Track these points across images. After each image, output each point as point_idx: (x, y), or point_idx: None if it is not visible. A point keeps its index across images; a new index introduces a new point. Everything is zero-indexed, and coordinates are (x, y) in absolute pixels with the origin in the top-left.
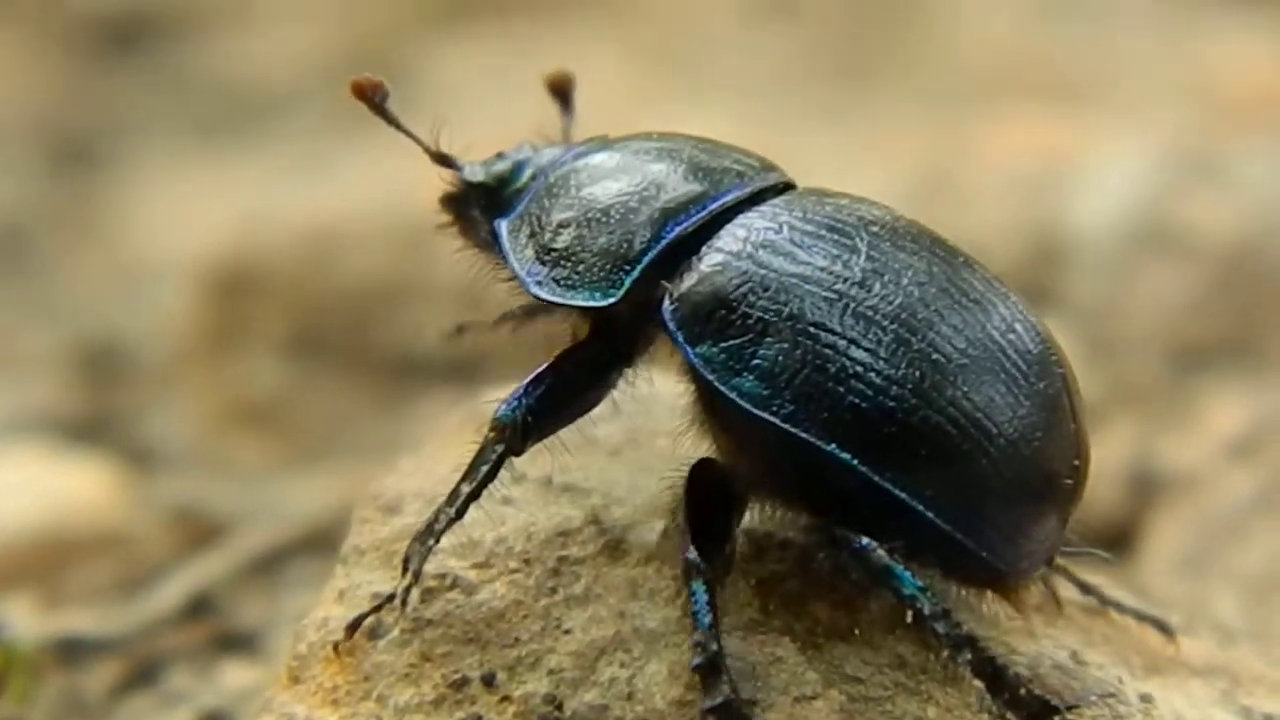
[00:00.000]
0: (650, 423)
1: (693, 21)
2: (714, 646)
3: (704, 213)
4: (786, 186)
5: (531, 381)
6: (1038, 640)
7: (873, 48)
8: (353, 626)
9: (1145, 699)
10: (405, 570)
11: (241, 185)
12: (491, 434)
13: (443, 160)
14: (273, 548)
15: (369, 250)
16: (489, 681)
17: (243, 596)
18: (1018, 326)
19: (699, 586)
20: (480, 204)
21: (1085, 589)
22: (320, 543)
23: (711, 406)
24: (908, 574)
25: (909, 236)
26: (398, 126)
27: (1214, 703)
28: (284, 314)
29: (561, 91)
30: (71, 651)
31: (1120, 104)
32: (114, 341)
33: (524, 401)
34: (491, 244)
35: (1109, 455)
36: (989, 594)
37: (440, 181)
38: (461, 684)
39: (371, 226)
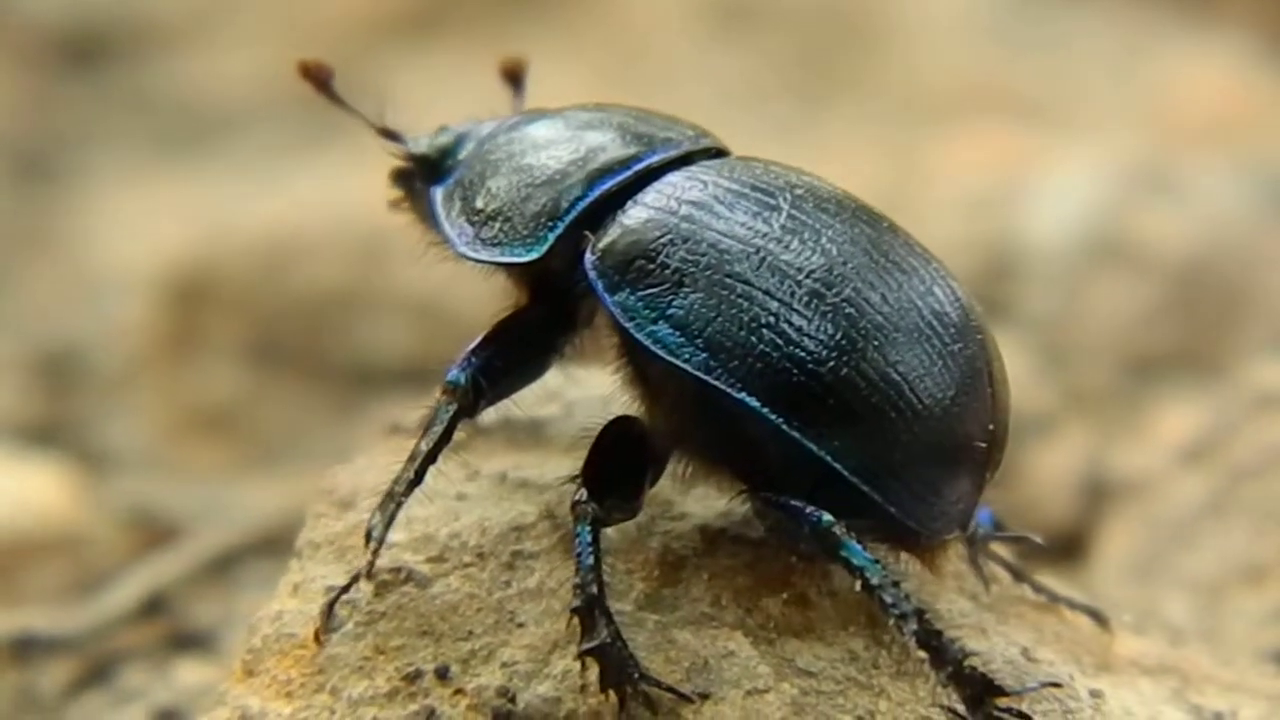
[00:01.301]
0: (605, 421)
1: (651, 39)
2: (593, 589)
3: (629, 172)
4: (719, 152)
5: (478, 344)
6: (989, 637)
7: (831, 68)
8: (327, 609)
9: (1095, 694)
10: (368, 540)
11: (198, 197)
12: (443, 396)
13: (388, 134)
14: (227, 549)
15: (324, 259)
16: (443, 674)
17: (197, 597)
18: (937, 290)
19: (584, 529)
20: (423, 175)
21: (1018, 575)
22: (275, 544)
23: (632, 359)
24: (858, 546)
25: (834, 201)
26: (343, 105)
27: (1164, 700)
28: (240, 321)
29: (514, 76)
30: (26, 650)
31: (1075, 123)
32: (72, 348)
33: (472, 362)
34: (431, 216)
35: (1062, 463)
36: (904, 554)
37: (389, 158)
38: (415, 677)
39: (327, 236)
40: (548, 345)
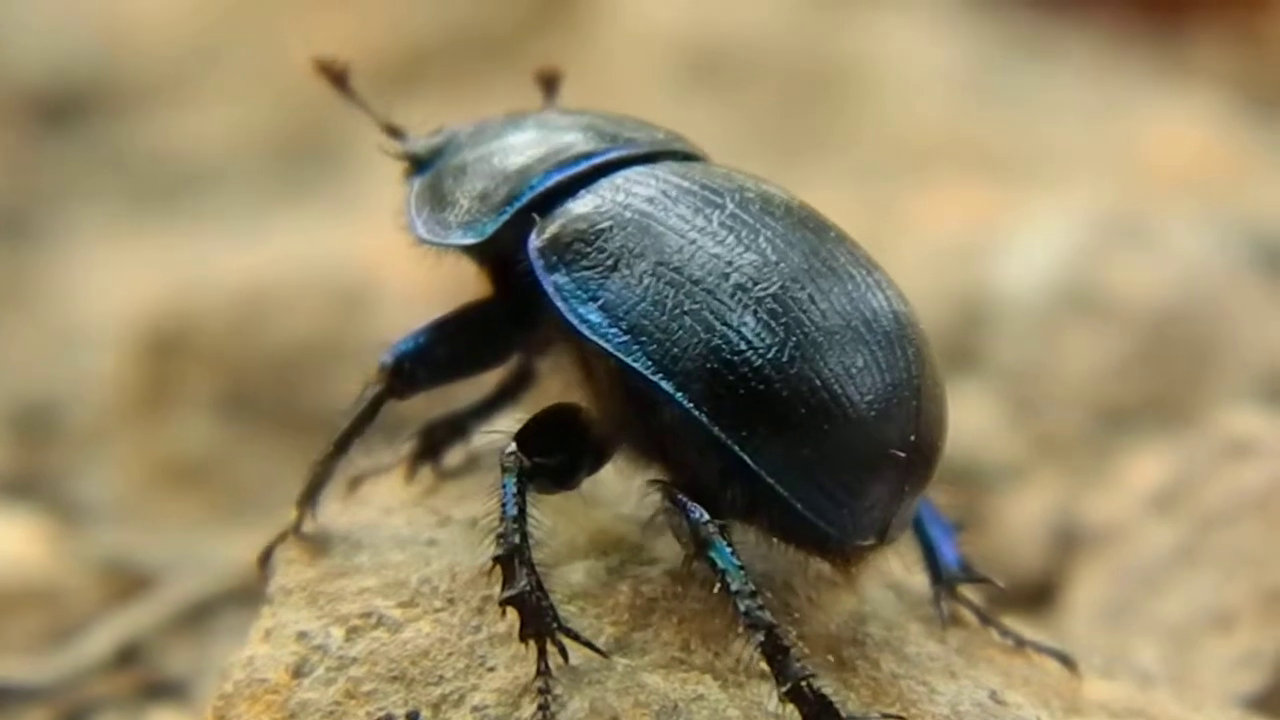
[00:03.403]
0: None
1: (629, 92)
2: (515, 539)
3: (586, 164)
4: (690, 157)
5: (418, 331)
6: (958, 679)
7: (807, 122)
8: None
9: None
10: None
11: (174, 251)
12: (372, 377)
13: (392, 133)
14: (200, 598)
15: (298, 312)
16: (414, 719)
17: (170, 646)
18: (871, 299)
19: (510, 479)
20: (412, 171)
21: (985, 619)
22: (248, 594)
23: (570, 344)
24: (728, 550)
25: (782, 205)
26: (355, 101)
27: None
28: (214, 374)
29: (549, 83)
30: (1, 699)
31: (1048, 176)
32: (47, 401)
33: (404, 347)
34: None
35: (1033, 510)
36: (819, 560)
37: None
38: None
39: (301, 289)
40: (491, 337)
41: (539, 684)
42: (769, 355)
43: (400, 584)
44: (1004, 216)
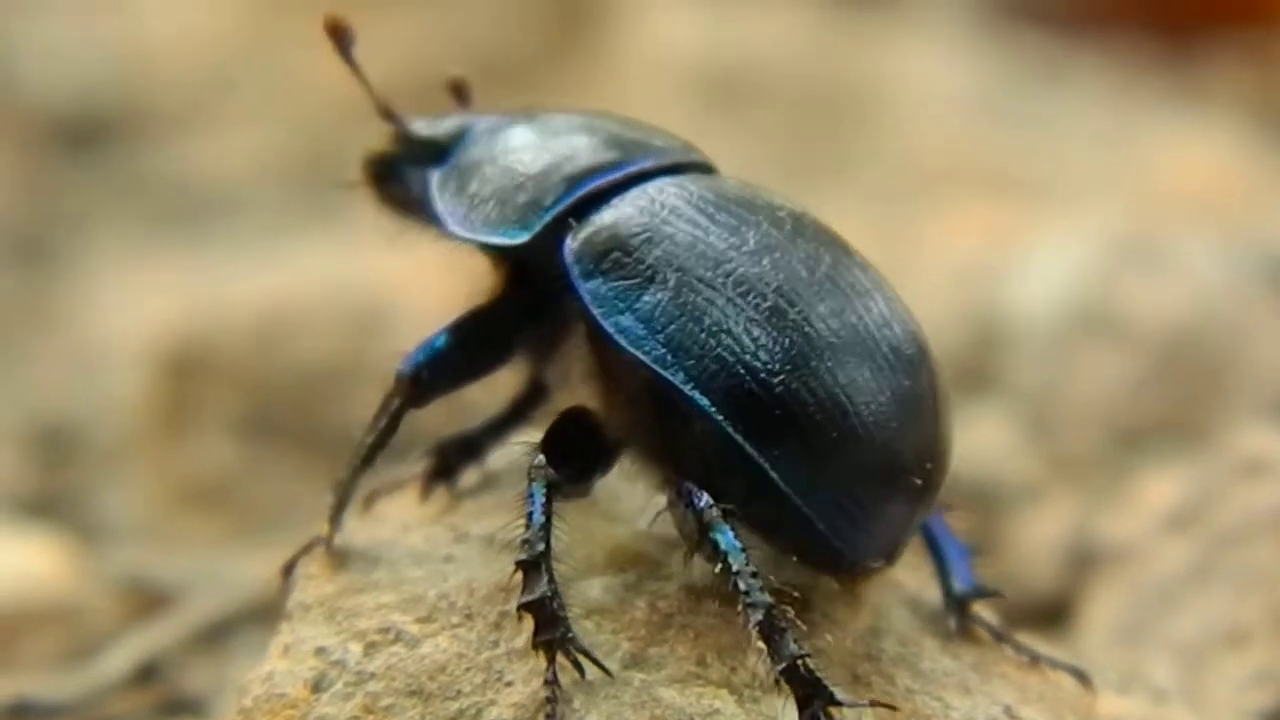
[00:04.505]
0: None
1: (646, 115)
2: (540, 547)
3: (619, 173)
4: (705, 168)
5: (431, 338)
6: (972, 695)
7: (822, 144)
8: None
9: None
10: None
11: (194, 274)
12: (392, 388)
13: (389, 114)
14: (220, 617)
15: (318, 333)
16: None
17: (190, 664)
18: (895, 325)
19: (538, 488)
20: (419, 159)
21: (999, 636)
22: (267, 612)
23: (595, 349)
24: (730, 533)
25: (810, 226)
26: (356, 72)
27: None
28: (234, 395)
29: (460, 92)
30: (21, 717)
31: (1062, 198)
32: (68, 422)
33: (419, 357)
34: (420, 197)
35: (1049, 530)
36: (828, 578)
37: (376, 140)
38: None
39: (321, 310)
40: (505, 339)
41: (546, 694)
42: (805, 378)
43: (418, 599)
44: (1019, 238)
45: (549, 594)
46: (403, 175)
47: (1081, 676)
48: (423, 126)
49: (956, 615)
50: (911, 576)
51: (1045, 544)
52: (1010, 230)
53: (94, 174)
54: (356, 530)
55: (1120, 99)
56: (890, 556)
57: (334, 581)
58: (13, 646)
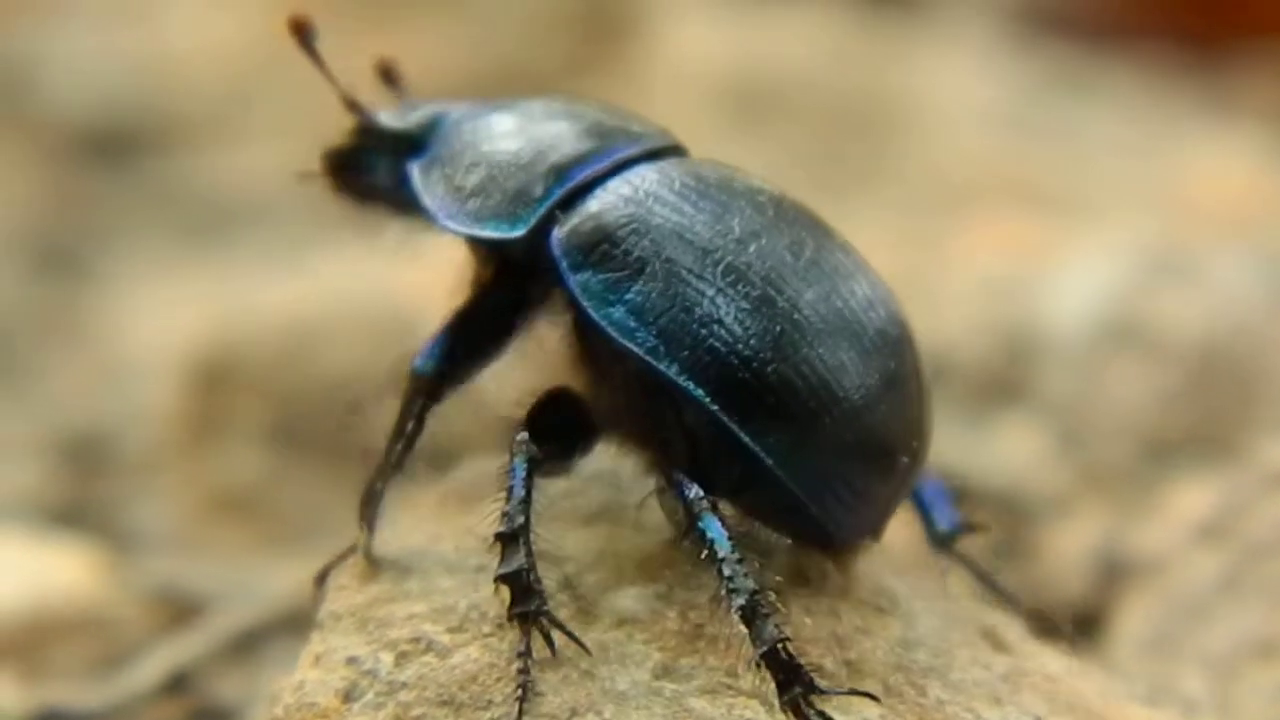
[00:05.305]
0: (621, 495)
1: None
2: (520, 520)
3: (606, 160)
4: (681, 151)
5: (441, 334)
6: (1003, 706)
7: (850, 158)
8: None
9: None
10: (362, 528)
11: (222, 285)
12: (411, 387)
13: (354, 107)
14: (250, 627)
15: (346, 343)
16: None
17: (220, 674)
18: (879, 307)
19: (520, 463)
20: (391, 151)
21: (983, 578)
22: (297, 622)
23: (583, 339)
24: (718, 523)
25: (791, 209)
26: (321, 66)
27: None
28: (263, 405)
29: (389, 76)
30: None
31: (1091, 211)
32: (98, 432)
33: (437, 351)
34: (394, 190)
35: (1079, 542)
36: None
37: (340, 134)
38: None
39: (348, 320)
40: (505, 326)
41: (519, 665)
42: (796, 366)
43: (449, 609)
44: (1048, 250)
45: (526, 567)
46: (369, 167)
47: (1049, 623)
48: (390, 118)
49: (943, 554)
50: (940, 586)
51: (1075, 555)
52: (1039, 242)
53: (121, 186)
54: (388, 540)
55: (1149, 110)
56: (878, 533)
57: (365, 591)
58: (43, 656)
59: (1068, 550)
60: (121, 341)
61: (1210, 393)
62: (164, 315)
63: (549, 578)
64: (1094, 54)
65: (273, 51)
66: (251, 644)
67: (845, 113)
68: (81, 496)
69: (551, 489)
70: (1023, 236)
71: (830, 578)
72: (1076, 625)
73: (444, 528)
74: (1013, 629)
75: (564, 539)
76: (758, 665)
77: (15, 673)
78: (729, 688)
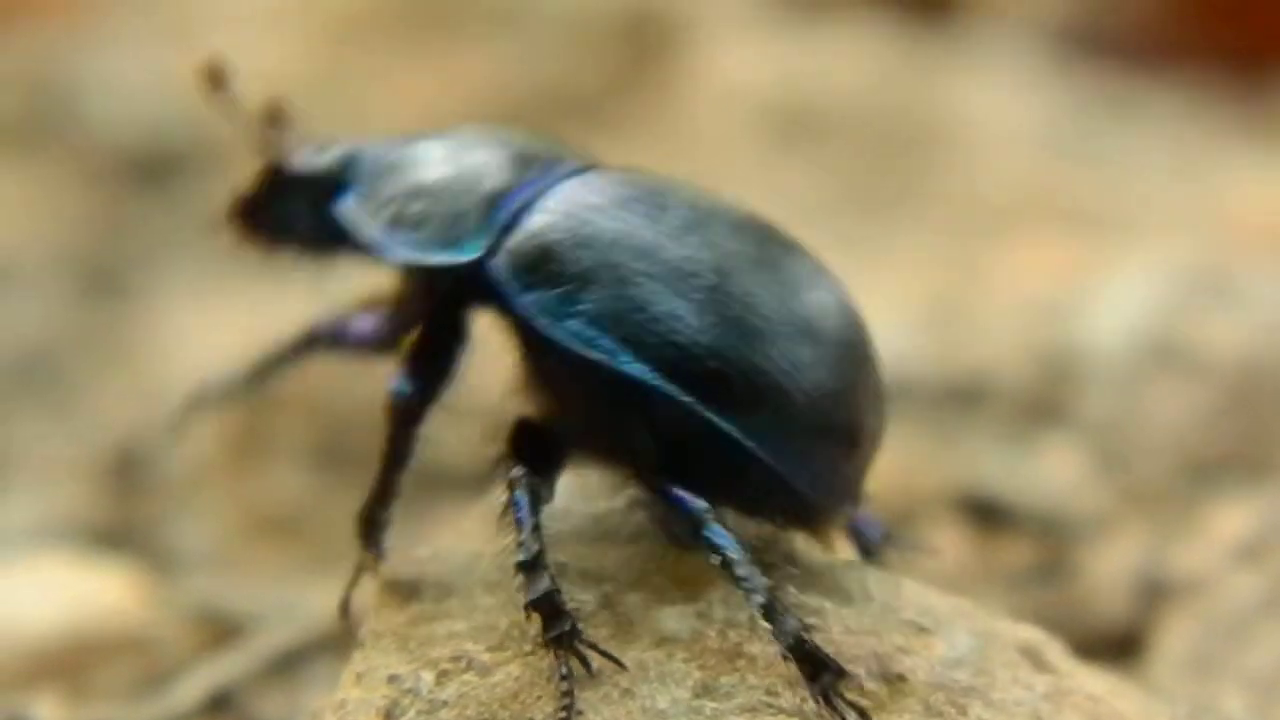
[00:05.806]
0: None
1: (716, 151)
2: (536, 546)
3: (542, 182)
4: (598, 167)
5: (408, 360)
6: None
7: (890, 181)
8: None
9: None
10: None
11: (263, 305)
12: (394, 412)
13: (267, 152)
14: (292, 647)
15: (388, 363)
16: None
17: (262, 694)
18: (822, 284)
19: (521, 494)
20: (307, 192)
21: (866, 552)
22: (339, 641)
23: (536, 358)
24: (722, 529)
25: (717, 201)
26: (235, 111)
27: None
28: (305, 425)
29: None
30: None
31: (1133, 233)
32: (140, 453)
33: (413, 377)
34: (313, 229)
35: (1120, 562)
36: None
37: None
38: None
39: None
40: (458, 342)
41: (563, 686)
42: (764, 346)
43: (490, 628)
44: (1090, 272)
45: (552, 589)
46: (283, 210)
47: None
48: (303, 161)
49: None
50: (982, 606)
51: (1116, 575)
52: (1080, 263)
53: (165, 208)
54: (429, 560)
55: (1191, 131)
56: (856, 498)
57: (406, 610)
58: (86, 676)
59: (1108, 570)
60: (165, 362)
61: (1251, 413)
62: (207, 336)
63: (588, 596)
64: (1135, 75)
65: (316, 73)
66: (293, 664)
67: (887, 134)
68: (124, 517)
69: (592, 510)
70: (1064, 258)
71: (873, 598)
72: (1118, 645)
73: (484, 547)
74: (1053, 648)
75: (604, 558)
76: (785, 658)
77: (58, 693)
78: (769, 706)
